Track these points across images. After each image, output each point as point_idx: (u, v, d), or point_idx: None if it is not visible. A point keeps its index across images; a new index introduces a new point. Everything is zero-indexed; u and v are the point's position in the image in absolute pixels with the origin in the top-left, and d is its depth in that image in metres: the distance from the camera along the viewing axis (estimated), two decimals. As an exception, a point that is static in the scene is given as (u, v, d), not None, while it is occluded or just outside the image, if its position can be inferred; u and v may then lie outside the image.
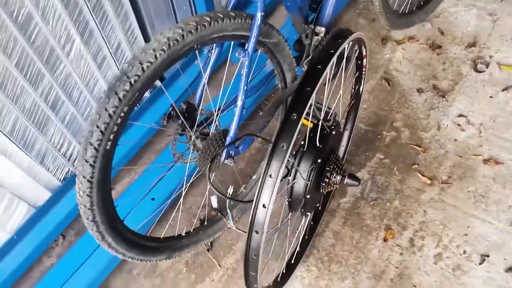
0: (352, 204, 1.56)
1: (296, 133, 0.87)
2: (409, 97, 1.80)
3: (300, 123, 0.86)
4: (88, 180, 0.97)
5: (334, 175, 1.16)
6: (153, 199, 1.52)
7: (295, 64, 1.39)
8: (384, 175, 1.61)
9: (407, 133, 1.70)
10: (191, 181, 1.34)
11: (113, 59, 1.58)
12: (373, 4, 1.70)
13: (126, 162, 1.70)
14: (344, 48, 1.03)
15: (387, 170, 1.62)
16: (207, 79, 1.20)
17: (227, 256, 1.51)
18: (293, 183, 1.09)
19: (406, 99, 1.79)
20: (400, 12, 1.89)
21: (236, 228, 1.36)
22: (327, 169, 1.15)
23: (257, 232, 0.91)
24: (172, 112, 1.22)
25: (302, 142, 1.10)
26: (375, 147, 1.68)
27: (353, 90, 1.43)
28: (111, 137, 0.96)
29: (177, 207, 1.49)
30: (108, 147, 0.97)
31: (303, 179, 1.08)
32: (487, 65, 1.84)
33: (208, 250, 1.52)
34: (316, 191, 1.18)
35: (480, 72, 1.83)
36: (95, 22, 1.43)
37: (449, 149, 1.64)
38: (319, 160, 1.10)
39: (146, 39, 1.68)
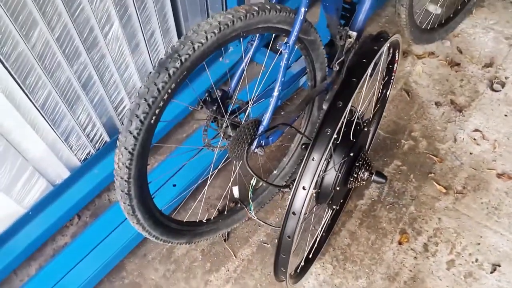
0: (368, 206, 1.59)
1: (341, 120, 0.90)
2: (427, 109, 1.85)
3: (346, 111, 0.90)
4: (129, 152, 0.99)
5: (363, 170, 1.19)
6: (174, 185, 1.53)
7: (326, 64, 1.43)
8: (401, 181, 1.64)
9: (424, 143, 1.75)
10: (219, 167, 1.36)
11: (146, 46, 1.61)
12: (400, 16, 1.77)
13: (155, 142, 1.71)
14: (386, 48, 1.07)
15: (404, 177, 1.66)
16: (246, 65, 1.23)
17: (243, 247, 1.52)
18: (325, 174, 1.12)
19: (424, 111, 1.84)
20: (422, 28, 1.96)
21: (257, 218, 1.38)
22: (357, 164, 1.18)
23: (294, 214, 0.93)
24: (207, 98, 1.25)
25: (336, 136, 1.13)
26: (393, 153, 1.72)
27: (380, 94, 1.47)
28: (157, 111, 0.99)
29: (198, 194, 1.51)
30: (152, 121, 0.99)
31: (335, 170, 1.11)
32: (503, 85, 1.90)
33: (224, 240, 1.53)
34: (343, 185, 1.20)
35: (496, 91, 1.89)
36: (135, 7, 1.46)
37: (464, 161, 1.69)
38: (351, 154, 1.13)
39: (179, 31, 1.72)
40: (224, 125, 1.26)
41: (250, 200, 1.41)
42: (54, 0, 1.22)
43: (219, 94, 1.26)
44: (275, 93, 1.20)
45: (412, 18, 1.83)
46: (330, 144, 0.92)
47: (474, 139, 1.75)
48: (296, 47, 1.30)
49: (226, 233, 1.54)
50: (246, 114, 1.29)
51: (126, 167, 1.01)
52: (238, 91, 1.30)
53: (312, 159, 0.91)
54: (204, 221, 1.40)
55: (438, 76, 1.96)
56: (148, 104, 0.97)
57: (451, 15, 2.07)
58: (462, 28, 2.12)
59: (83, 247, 1.47)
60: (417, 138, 1.76)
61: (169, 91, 0.99)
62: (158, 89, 0.96)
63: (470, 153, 1.71)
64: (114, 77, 1.57)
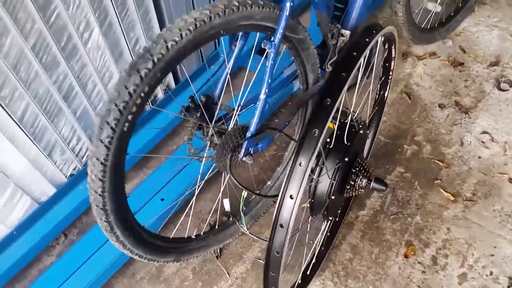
0: (371, 217, 1.48)
1: (329, 119, 0.81)
2: (431, 112, 1.75)
3: (335, 109, 0.81)
4: (101, 163, 0.90)
5: (360, 177, 1.09)
6: (162, 199, 1.44)
7: (318, 65, 1.35)
8: (405, 189, 1.54)
9: (428, 147, 1.64)
10: (206, 178, 1.27)
11: (131, 55, 1.55)
12: (397, 15, 1.69)
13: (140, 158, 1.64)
14: (377, 41, 0.99)
15: (408, 184, 1.55)
16: (230, 70, 1.15)
17: (237, 265, 1.41)
18: (317, 182, 1.02)
19: (427, 114, 1.74)
20: (422, 27, 1.87)
21: (249, 233, 1.28)
22: (353, 171, 1.08)
23: (282, 226, 0.83)
24: (190, 105, 1.17)
25: (328, 140, 1.04)
26: (395, 160, 1.61)
27: (377, 96, 1.37)
28: (129, 118, 0.90)
29: (186, 209, 1.42)
30: (125, 128, 0.91)
31: (329, 177, 1.01)
32: (511, 84, 1.79)
33: (217, 257, 1.43)
34: (339, 194, 1.10)
35: (503, 90, 1.78)
36: (115, 13, 1.40)
37: (472, 166, 1.57)
38: (346, 159, 1.03)
39: (165, 37, 1.65)
40: (210, 133, 1.18)
41: (242, 214, 1.32)
42: (26, 5, 1.16)
43: (203, 100, 1.18)
44: (262, 96, 1.12)
45: (410, 17, 1.74)
46: (319, 147, 0.82)
47: (483, 142, 1.64)
48: (285, 46, 1.22)
49: (218, 250, 1.44)
50: (233, 120, 1.21)
51: (99, 179, 0.92)
52: (225, 97, 1.22)
53: (299, 164, 0.82)
54: (193, 237, 1.31)
55: (440, 77, 1.86)
56: (119, 110, 0.88)
57: (452, 13, 1.98)
58: (464, 26, 2.03)
59: (69, 266, 1.39)
60: (421, 142, 1.66)
61: (142, 94, 0.90)
62: (129, 92, 0.88)
63: (479, 157, 1.60)
64: (98, 87, 1.50)
